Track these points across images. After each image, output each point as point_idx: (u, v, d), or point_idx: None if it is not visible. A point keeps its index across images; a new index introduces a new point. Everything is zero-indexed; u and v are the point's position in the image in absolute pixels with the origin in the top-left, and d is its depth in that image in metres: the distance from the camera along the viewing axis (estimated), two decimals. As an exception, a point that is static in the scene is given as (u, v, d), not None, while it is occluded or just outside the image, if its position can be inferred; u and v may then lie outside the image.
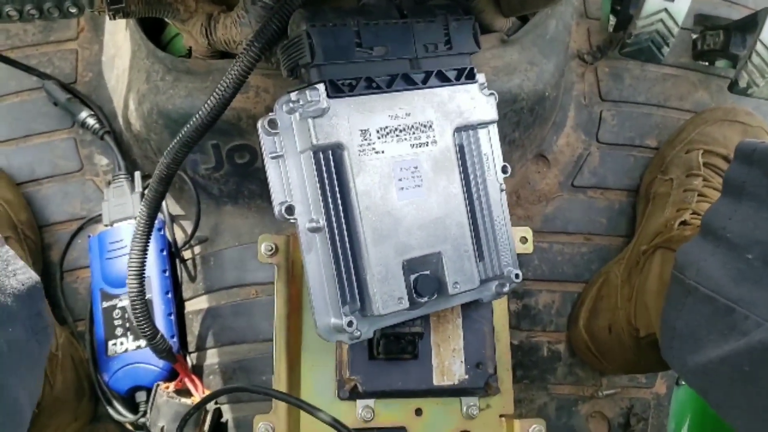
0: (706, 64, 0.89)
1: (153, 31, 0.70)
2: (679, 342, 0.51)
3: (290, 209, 0.50)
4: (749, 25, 0.77)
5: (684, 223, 0.68)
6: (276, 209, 0.50)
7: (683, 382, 0.79)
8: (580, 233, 0.82)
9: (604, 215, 0.83)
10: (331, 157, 0.50)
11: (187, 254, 0.78)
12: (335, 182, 0.50)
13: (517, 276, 0.58)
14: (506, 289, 0.58)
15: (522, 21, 0.71)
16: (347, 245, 0.50)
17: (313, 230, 0.50)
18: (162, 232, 0.75)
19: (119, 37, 0.78)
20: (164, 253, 0.74)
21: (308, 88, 0.49)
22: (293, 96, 0.50)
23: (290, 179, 0.50)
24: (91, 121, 0.80)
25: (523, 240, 0.67)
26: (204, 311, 0.75)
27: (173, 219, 0.79)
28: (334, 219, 0.50)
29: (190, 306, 0.76)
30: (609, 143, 0.85)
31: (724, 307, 0.45)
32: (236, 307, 0.74)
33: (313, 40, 0.49)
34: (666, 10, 0.74)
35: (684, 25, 0.88)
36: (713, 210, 0.50)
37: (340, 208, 0.50)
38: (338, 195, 0.50)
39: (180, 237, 0.78)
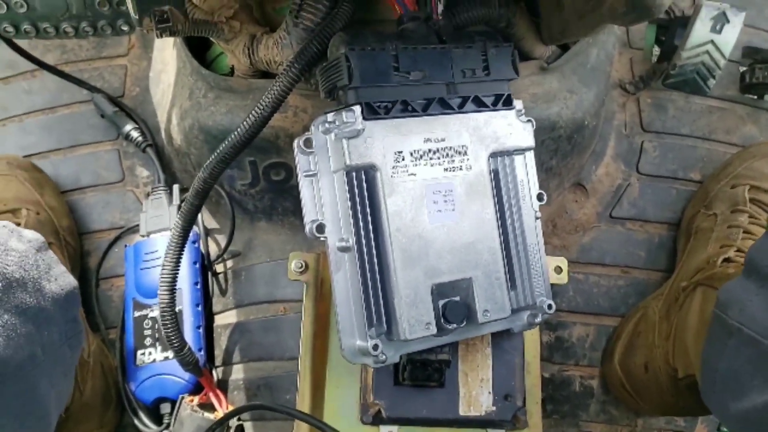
0: (755, 97, 0.86)
1: (198, 49, 0.73)
2: (721, 386, 0.48)
3: (321, 227, 0.50)
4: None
5: (727, 260, 0.65)
6: (307, 227, 0.50)
7: (725, 429, 0.75)
8: (618, 265, 0.80)
9: (643, 248, 0.80)
10: (363, 178, 0.50)
11: (219, 268, 0.79)
12: (367, 203, 0.50)
13: (550, 307, 0.56)
14: (538, 319, 0.56)
15: (563, 49, 0.70)
16: (376, 266, 0.50)
17: (343, 249, 0.50)
18: (196, 245, 0.76)
19: (167, 54, 0.81)
20: (197, 265, 0.75)
21: (344, 110, 0.50)
22: (330, 116, 0.51)
23: (322, 198, 0.50)
24: (134, 134, 0.83)
25: (558, 270, 0.65)
26: (232, 326, 0.75)
27: (208, 232, 0.80)
28: (363, 239, 0.50)
29: (219, 320, 0.77)
30: (650, 175, 0.83)
31: None
32: (265, 323, 0.74)
33: (351, 63, 0.49)
34: (713, 41, 0.73)
35: (732, 58, 0.85)
36: (758, 247, 0.48)
37: (371, 228, 0.50)
38: (369, 215, 0.50)
39: (213, 250, 0.79)
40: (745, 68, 0.86)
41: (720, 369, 0.49)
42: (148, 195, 0.81)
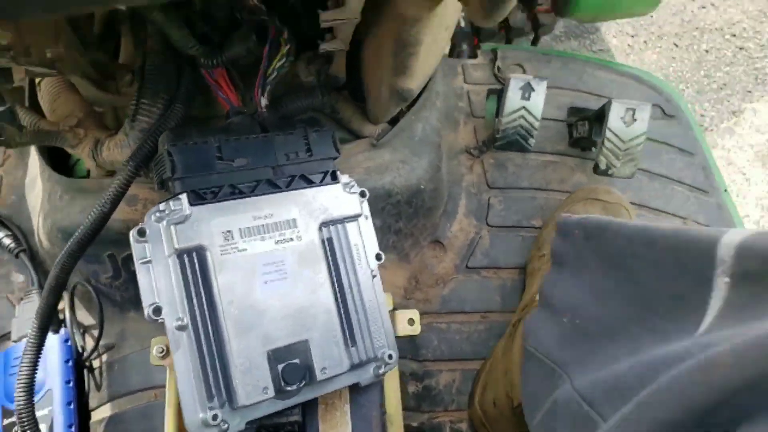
0: (581, 150, 0.99)
1: (64, 152, 0.77)
2: (527, 405, 0.54)
3: (157, 310, 0.54)
4: (601, 116, 0.87)
5: None
6: (145, 311, 0.54)
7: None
8: (477, 312, 0.86)
9: (498, 293, 0.88)
10: (195, 259, 0.54)
11: (96, 363, 0.80)
12: (199, 281, 0.54)
13: (390, 357, 0.61)
14: (383, 370, 0.61)
15: (393, 125, 0.79)
16: (212, 340, 0.54)
17: (180, 329, 0.53)
18: (68, 343, 0.77)
19: (37, 161, 0.85)
20: (69, 363, 0.76)
21: (172, 199, 0.55)
22: (161, 206, 0.55)
23: (158, 282, 0.54)
24: (7, 241, 0.84)
25: (411, 322, 0.70)
26: (106, 419, 0.75)
27: (85, 329, 0.81)
28: (198, 316, 0.54)
29: (95, 415, 0.77)
30: (498, 226, 0.92)
31: (549, 369, 0.49)
32: (138, 412, 0.75)
33: (173, 157, 0.55)
34: (524, 107, 0.84)
35: (560, 117, 0.99)
36: (544, 279, 0.55)
37: (204, 305, 0.54)
38: (202, 293, 0.54)
39: (92, 346, 0.80)
40: (572, 125, 0.99)
41: (524, 391, 0.54)
42: (21, 299, 0.82)
